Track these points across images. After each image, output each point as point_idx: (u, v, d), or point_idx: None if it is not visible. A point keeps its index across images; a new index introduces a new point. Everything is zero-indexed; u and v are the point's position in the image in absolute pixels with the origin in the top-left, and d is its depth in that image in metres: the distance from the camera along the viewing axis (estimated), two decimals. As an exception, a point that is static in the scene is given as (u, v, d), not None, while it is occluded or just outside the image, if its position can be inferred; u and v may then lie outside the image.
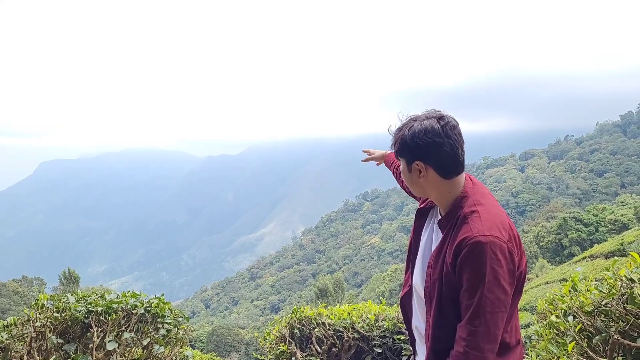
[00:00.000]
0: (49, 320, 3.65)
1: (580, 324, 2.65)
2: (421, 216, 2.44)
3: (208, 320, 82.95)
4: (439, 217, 2.27)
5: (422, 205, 2.46)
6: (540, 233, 51.92)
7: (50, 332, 3.64)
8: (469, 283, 1.98)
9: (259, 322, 70.85)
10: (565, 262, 39.06)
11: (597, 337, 2.50)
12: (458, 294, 2.05)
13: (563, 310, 2.88)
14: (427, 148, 2.09)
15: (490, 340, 1.97)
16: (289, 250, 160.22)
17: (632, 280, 2.44)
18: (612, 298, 2.48)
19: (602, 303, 2.54)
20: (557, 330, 2.87)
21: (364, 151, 3.68)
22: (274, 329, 5.87)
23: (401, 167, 2.24)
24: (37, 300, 3.89)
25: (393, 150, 2.24)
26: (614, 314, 2.46)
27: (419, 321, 2.36)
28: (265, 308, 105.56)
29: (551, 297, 3.13)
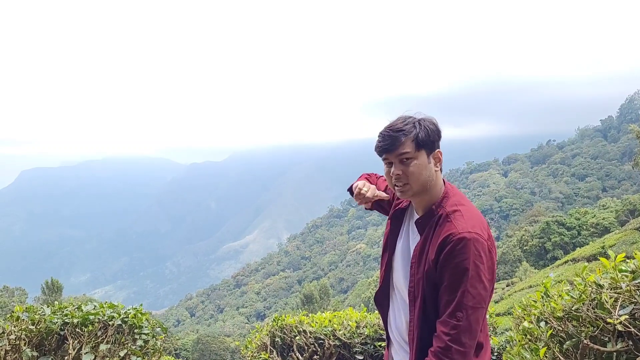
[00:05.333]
0: (23, 332, 3.59)
1: (552, 330, 2.68)
2: (397, 217, 2.48)
3: (193, 328, 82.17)
4: (415, 217, 2.32)
5: (398, 206, 2.50)
6: (523, 237, 52.34)
7: (25, 344, 3.58)
8: (452, 278, 2.01)
9: (245, 330, 70.36)
10: (548, 265, 39.45)
11: (568, 342, 2.53)
12: (437, 292, 2.09)
13: (536, 316, 2.91)
14: (440, 138, 2.24)
15: (472, 336, 2.00)
16: (274, 257, 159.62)
17: (600, 285, 2.48)
18: (583, 303, 2.51)
19: (573, 308, 2.58)
20: (530, 335, 2.90)
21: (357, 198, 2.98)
22: (256, 337, 5.84)
23: (416, 161, 2.16)
24: (13, 312, 3.83)
25: (401, 141, 2.16)
26: (585, 319, 2.49)
27: (399, 322, 2.38)
28: (251, 315, 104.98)
29: (525, 302, 3.17)
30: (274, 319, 5.67)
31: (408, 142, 2.16)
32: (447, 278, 2.03)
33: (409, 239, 2.35)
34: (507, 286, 35.85)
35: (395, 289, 2.42)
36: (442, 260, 2.05)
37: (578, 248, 38.78)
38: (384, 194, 2.71)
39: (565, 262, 31.59)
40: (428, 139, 2.18)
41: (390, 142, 2.17)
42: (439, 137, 2.22)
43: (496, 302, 27.89)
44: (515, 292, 28.26)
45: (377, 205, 2.85)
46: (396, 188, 2.23)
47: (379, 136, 2.24)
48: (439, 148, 2.23)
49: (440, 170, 2.26)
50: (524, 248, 50.74)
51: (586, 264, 2.92)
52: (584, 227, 47.57)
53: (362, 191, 2.63)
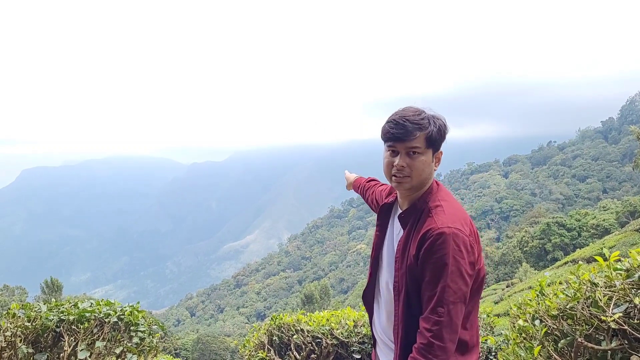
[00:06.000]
0: (19, 329, 3.59)
1: (546, 328, 2.68)
2: (384, 213, 2.48)
3: (193, 328, 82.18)
4: (399, 212, 2.32)
5: (386, 201, 2.50)
6: (524, 238, 52.29)
7: (20, 341, 3.57)
8: (432, 273, 2.02)
9: (245, 330, 70.32)
10: (548, 266, 39.40)
11: (562, 341, 2.52)
12: (420, 287, 2.10)
13: (531, 315, 2.91)
14: (445, 140, 2.24)
15: (452, 331, 2.00)
16: (274, 257, 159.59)
17: (595, 284, 2.47)
18: (577, 302, 2.50)
19: (567, 307, 2.57)
20: (525, 334, 2.90)
21: (345, 172, 3.71)
22: (254, 336, 5.84)
23: (422, 157, 2.16)
24: (9, 309, 3.83)
25: (415, 135, 2.13)
26: (580, 318, 2.49)
27: (383, 319, 2.38)
28: (251, 315, 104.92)
29: (520, 301, 3.17)
30: (271, 318, 5.67)
31: (421, 137, 2.14)
32: (428, 273, 2.03)
33: (394, 234, 2.35)
34: (507, 287, 35.82)
35: (380, 286, 2.42)
36: (423, 255, 2.05)
37: (578, 249, 38.74)
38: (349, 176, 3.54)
39: (565, 263, 31.54)
40: (439, 138, 2.19)
41: (404, 132, 2.13)
42: (445, 138, 2.22)
43: (496, 302, 27.87)
44: (515, 292, 28.20)
45: (362, 194, 3.20)
46: (394, 179, 2.21)
47: (391, 122, 2.18)
48: (440, 149, 2.23)
49: (436, 170, 2.28)
50: (524, 249, 50.68)
51: (582, 263, 2.92)
52: (584, 229, 47.52)
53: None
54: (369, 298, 2.51)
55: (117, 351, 3.81)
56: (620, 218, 44.80)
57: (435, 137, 2.16)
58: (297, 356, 5.18)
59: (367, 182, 3.20)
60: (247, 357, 5.78)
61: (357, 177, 3.47)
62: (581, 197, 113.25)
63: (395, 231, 2.33)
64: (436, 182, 2.30)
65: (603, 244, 30.41)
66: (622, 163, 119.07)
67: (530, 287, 26.92)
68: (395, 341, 2.25)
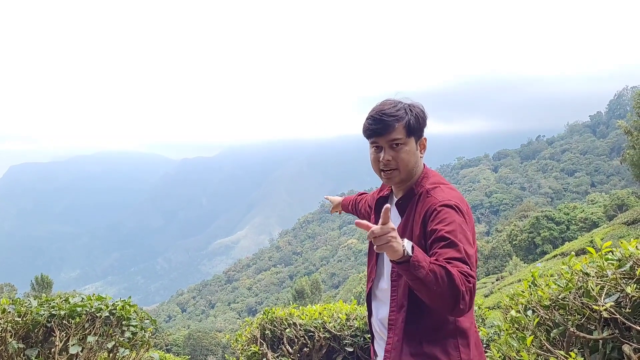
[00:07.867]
0: (9, 324, 3.55)
1: (538, 318, 2.69)
2: (381, 207, 2.43)
3: (184, 324, 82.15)
4: (395, 201, 2.33)
5: (380, 195, 2.50)
6: (513, 232, 52.68)
7: (11, 337, 3.54)
8: (440, 229, 1.95)
9: (236, 325, 70.36)
10: (537, 259, 39.75)
11: (554, 331, 2.54)
12: None
13: (523, 305, 2.93)
14: (426, 125, 2.25)
15: (473, 265, 1.91)
16: (265, 253, 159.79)
17: (587, 274, 2.49)
18: (569, 292, 2.52)
19: (560, 297, 2.59)
20: (517, 324, 2.92)
21: (325, 197, 3.84)
22: (246, 330, 5.84)
23: (406, 148, 2.17)
24: (-1, 305, 3.79)
25: (394, 127, 2.13)
26: (572, 308, 2.50)
27: (382, 312, 2.32)
28: (242, 311, 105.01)
29: (512, 292, 3.19)
30: (264, 312, 5.68)
31: (400, 127, 2.14)
32: (434, 235, 1.97)
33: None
34: (496, 280, 36.13)
35: (379, 278, 2.37)
36: (429, 224, 2.03)
37: (567, 242, 39.12)
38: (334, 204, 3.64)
39: (554, 256, 31.84)
40: (418, 125, 2.19)
41: (382, 127, 2.14)
42: (426, 124, 2.23)
43: (486, 296, 28.09)
44: (505, 286, 28.44)
45: (354, 210, 3.24)
46: (383, 174, 2.22)
47: (368, 119, 2.20)
48: (423, 135, 2.24)
49: (422, 156, 2.29)
50: (514, 243, 51.06)
51: (573, 254, 2.94)
52: (573, 222, 47.98)
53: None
54: (370, 295, 2.45)
55: (109, 346, 3.79)
56: (608, 211, 45.23)
57: (414, 125, 2.17)
58: (290, 350, 5.19)
59: (358, 195, 3.28)
60: (239, 351, 5.78)
61: (342, 198, 3.58)
62: (570, 191, 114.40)
63: (393, 219, 2.29)
64: (428, 168, 2.31)
65: (591, 237, 30.72)
66: (610, 157, 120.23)
67: (520, 280, 27.15)
68: (389, 326, 2.19)
